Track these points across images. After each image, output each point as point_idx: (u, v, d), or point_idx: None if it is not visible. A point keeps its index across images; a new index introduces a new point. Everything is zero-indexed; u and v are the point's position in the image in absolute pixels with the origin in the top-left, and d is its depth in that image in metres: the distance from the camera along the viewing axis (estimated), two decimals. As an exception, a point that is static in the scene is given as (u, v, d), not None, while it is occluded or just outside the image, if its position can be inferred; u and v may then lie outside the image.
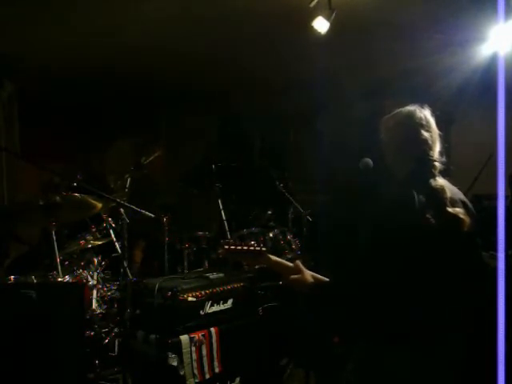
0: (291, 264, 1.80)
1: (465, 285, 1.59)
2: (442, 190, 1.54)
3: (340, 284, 1.59)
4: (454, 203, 1.55)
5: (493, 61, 4.04)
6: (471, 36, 3.88)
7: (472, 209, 1.62)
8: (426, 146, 1.60)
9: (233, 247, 1.79)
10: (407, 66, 4.55)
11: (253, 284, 3.09)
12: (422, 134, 1.60)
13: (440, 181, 1.57)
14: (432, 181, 1.56)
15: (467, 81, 4.44)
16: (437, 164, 1.60)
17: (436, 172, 1.59)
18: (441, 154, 1.64)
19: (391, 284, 1.48)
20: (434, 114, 1.67)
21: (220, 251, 1.83)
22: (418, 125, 1.61)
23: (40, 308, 2.38)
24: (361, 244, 1.55)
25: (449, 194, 1.55)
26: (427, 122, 1.63)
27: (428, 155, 1.60)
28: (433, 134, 1.63)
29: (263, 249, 1.79)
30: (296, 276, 1.71)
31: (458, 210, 1.53)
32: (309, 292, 1.69)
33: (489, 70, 4.13)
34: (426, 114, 1.64)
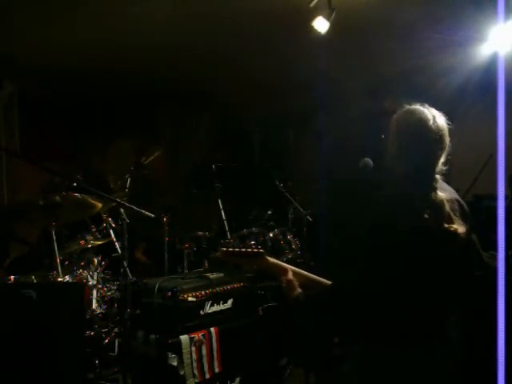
0: (286, 265, 1.80)
1: (464, 285, 1.60)
2: (442, 204, 1.52)
3: (340, 289, 1.58)
4: (453, 210, 1.54)
5: (493, 61, 4.04)
6: (471, 36, 3.88)
7: (466, 209, 1.62)
8: (432, 161, 1.57)
9: (230, 249, 1.79)
10: (407, 65, 4.56)
11: (253, 284, 3.09)
12: (432, 149, 1.55)
13: (440, 195, 1.54)
14: (433, 194, 1.53)
15: (467, 81, 4.44)
16: (438, 177, 1.58)
17: (436, 184, 1.56)
18: (444, 163, 1.60)
19: (391, 285, 1.48)
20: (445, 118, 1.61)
21: (217, 254, 1.82)
22: (430, 139, 1.55)
23: (40, 308, 2.38)
24: (360, 244, 1.56)
25: (448, 207, 1.52)
26: (440, 135, 1.56)
27: (431, 169, 1.56)
28: (443, 147, 1.58)
29: (261, 250, 1.78)
30: (286, 282, 1.72)
31: (455, 227, 1.51)
32: (294, 301, 1.69)
33: (489, 69, 4.13)
34: (440, 123, 1.58)
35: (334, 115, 5.93)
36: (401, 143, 1.62)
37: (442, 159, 1.59)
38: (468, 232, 1.55)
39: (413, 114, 1.61)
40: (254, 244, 1.85)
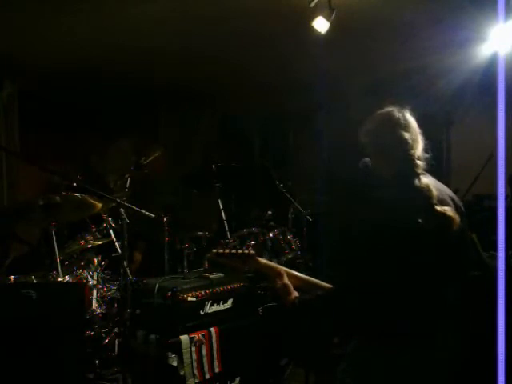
0: (281, 267, 1.79)
1: (461, 282, 1.60)
2: (427, 189, 1.53)
3: (338, 289, 1.58)
4: (441, 201, 1.54)
5: (493, 61, 4.05)
6: (471, 36, 3.88)
7: (460, 204, 1.62)
8: (406, 146, 1.59)
9: (221, 251, 1.79)
10: (407, 65, 4.55)
11: (253, 284, 3.09)
12: (401, 135, 1.59)
13: (424, 180, 1.55)
14: (416, 181, 1.54)
15: (467, 81, 4.44)
16: (419, 163, 1.59)
17: (419, 171, 1.58)
18: (425, 151, 1.63)
19: (386, 284, 1.49)
20: (412, 114, 1.66)
21: (209, 255, 1.83)
22: (396, 125, 1.60)
23: (40, 308, 2.38)
24: (360, 244, 1.56)
25: (435, 193, 1.53)
26: (406, 121, 1.61)
27: (409, 155, 1.58)
28: (413, 134, 1.61)
29: (252, 252, 1.78)
30: (282, 286, 1.72)
31: (447, 209, 1.52)
32: (290, 306, 1.69)
33: (489, 69, 4.14)
34: (404, 114, 1.63)
35: (334, 115, 5.93)
36: (377, 146, 1.65)
37: (420, 145, 1.62)
38: (461, 227, 1.54)
39: (375, 116, 1.69)
40: (249, 245, 1.86)
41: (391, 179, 1.62)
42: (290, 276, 1.75)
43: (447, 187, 1.66)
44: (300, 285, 1.74)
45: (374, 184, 1.69)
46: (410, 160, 1.58)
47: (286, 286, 1.71)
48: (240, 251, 1.78)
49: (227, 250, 1.79)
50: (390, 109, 1.65)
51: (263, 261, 1.81)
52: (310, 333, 3.05)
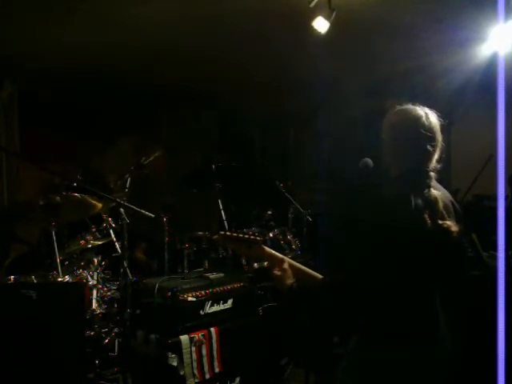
0: (283, 256, 1.80)
1: (457, 285, 1.61)
2: (435, 201, 1.53)
3: (338, 284, 1.59)
4: (447, 211, 1.55)
5: (493, 61, 4.05)
6: (471, 36, 3.88)
7: (459, 210, 1.63)
8: (425, 158, 1.58)
9: (228, 233, 1.80)
10: (407, 65, 4.56)
11: (253, 284, 3.09)
12: (424, 146, 1.57)
13: (434, 192, 1.55)
14: (427, 191, 1.54)
15: (467, 81, 4.44)
16: (432, 174, 1.59)
17: (431, 182, 1.57)
18: (438, 161, 1.61)
19: (386, 284, 1.49)
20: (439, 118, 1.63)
21: (215, 237, 1.84)
22: (422, 136, 1.57)
23: (40, 308, 2.38)
24: (360, 244, 1.56)
25: (441, 206, 1.53)
26: (433, 132, 1.59)
27: (425, 167, 1.58)
28: (435, 145, 1.59)
29: (258, 238, 1.80)
30: (278, 273, 1.72)
31: (449, 224, 1.53)
32: (287, 290, 1.69)
33: (489, 69, 4.14)
34: (433, 121, 1.60)
35: (334, 115, 5.93)
36: (397, 143, 1.63)
37: (436, 156, 1.61)
38: (460, 233, 1.55)
39: (406, 113, 1.63)
40: (253, 232, 1.86)
41: (397, 177, 1.62)
42: (290, 265, 1.76)
43: (446, 190, 1.66)
44: (299, 276, 1.75)
45: (377, 182, 1.69)
46: (424, 171, 1.57)
47: (285, 271, 1.71)
48: (247, 236, 1.79)
49: (234, 234, 1.80)
50: (420, 112, 1.60)
51: (267, 249, 1.82)
52: (309, 329, 3.05)
